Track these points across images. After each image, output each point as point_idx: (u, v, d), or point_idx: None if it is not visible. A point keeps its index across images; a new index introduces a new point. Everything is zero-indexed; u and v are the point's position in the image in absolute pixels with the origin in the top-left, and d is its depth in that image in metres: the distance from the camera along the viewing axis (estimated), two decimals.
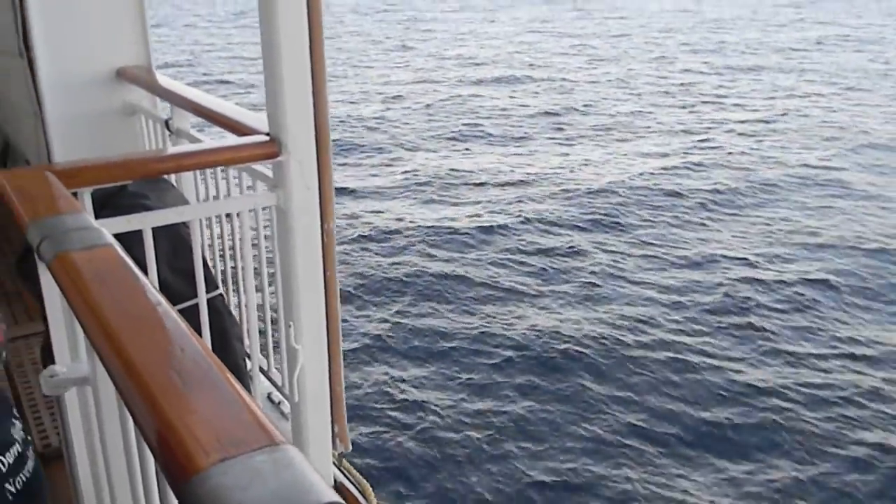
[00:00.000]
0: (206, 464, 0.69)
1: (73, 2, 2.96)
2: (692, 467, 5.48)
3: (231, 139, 2.02)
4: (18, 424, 0.86)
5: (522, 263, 8.84)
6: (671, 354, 6.78)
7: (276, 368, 2.28)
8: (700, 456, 5.58)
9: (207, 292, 2.08)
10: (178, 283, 2.24)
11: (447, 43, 27.03)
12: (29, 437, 0.84)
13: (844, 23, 30.09)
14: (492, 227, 9.94)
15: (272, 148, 1.90)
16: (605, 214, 10.37)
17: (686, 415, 5.98)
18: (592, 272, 8.59)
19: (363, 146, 14.01)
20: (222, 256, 2.51)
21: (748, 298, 7.82)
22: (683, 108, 16.80)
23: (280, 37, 1.83)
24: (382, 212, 10.68)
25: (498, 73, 21.05)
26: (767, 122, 15.33)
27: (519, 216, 10.31)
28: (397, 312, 7.65)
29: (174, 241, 2.26)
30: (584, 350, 6.89)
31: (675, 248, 9.22)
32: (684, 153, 13.18)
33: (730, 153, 13.02)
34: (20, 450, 0.82)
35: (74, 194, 1.67)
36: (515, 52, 24.47)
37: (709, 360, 6.70)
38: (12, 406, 0.85)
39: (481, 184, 11.84)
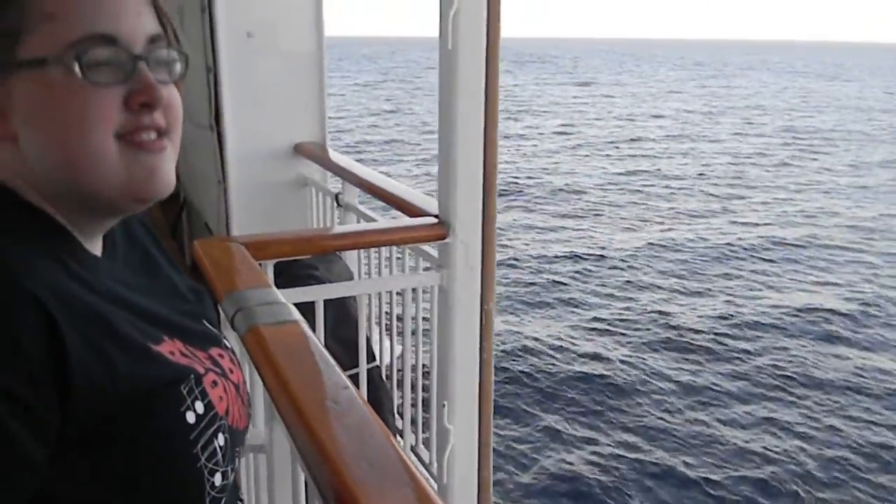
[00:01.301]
0: None
1: (261, 83, 3.24)
2: None
3: (402, 220, 2.10)
4: None
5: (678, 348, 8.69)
6: None
7: (423, 446, 2.30)
8: None
9: (367, 363, 2.14)
10: (338, 351, 2.32)
11: (568, 118, 29.61)
12: None
13: None
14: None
15: (441, 230, 1.96)
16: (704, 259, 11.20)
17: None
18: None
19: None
20: (378, 328, 2.58)
21: None
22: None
23: (457, 126, 1.91)
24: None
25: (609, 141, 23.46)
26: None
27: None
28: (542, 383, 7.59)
29: (338, 311, 2.36)
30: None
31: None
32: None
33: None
34: None
35: (259, 264, 1.79)
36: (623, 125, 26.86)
37: None
38: (239, 489, 0.90)
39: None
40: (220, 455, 0.76)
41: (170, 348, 0.76)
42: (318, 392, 1.07)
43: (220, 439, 0.76)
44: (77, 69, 0.69)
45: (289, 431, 1.05)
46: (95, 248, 0.80)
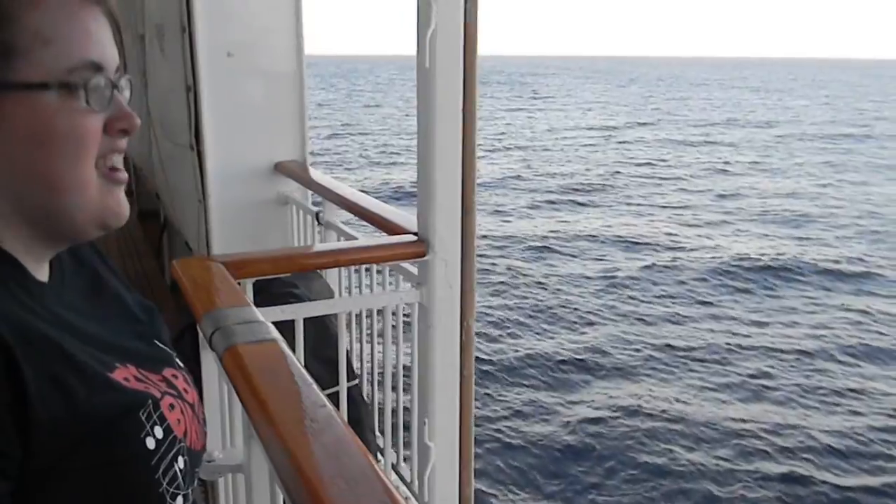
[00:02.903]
0: None
1: (241, 102, 3.24)
2: None
3: (382, 237, 2.11)
4: None
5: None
6: None
7: (404, 463, 2.29)
8: None
9: (347, 381, 2.14)
10: (319, 369, 2.31)
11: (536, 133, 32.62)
12: None
13: None
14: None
15: (420, 248, 1.97)
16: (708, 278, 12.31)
17: None
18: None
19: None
20: (358, 346, 2.58)
21: None
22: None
23: (435, 145, 1.92)
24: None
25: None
26: None
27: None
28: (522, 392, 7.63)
29: (318, 329, 2.35)
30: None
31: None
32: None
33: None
34: None
35: (239, 283, 1.79)
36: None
37: None
38: None
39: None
40: (180, 478, 0.76)
41: (124, 374, 0.76)
42: (296, 411, 1.07)
43: (180, 462, 0.76)
44: (82, 94, 0.71)
45: (266, 451, 1.04)
46: (42, 273, 0.80)
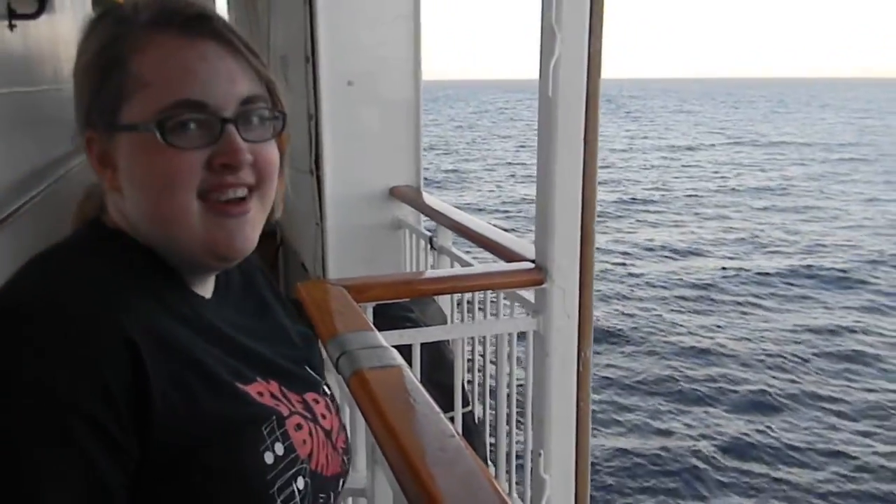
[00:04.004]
0: None
1: (359, 128, 3.34)
2: None
3: (499, 264, 2.11)
4: None
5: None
6: None
7: (517, 495, 2.26)
8: None
9: (461, 407, 2.14)
10: (433, 394, 2.33)
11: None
12: None
13: None
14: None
15: (538, 275, 1.96)
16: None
17: None
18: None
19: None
20: (470, 372, 2.58)
21: None
22: None
23: (555, 172, 1.91)
24: None
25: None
26: None
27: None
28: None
29: (433, 354, 2.37)
30: None
31: None
32: None
33: None
34: None
35: (359, 306, 1.82)
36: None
37: None
38: None
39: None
40: (297, 498, 0.77)
41: (259, 389, 0.79)
42: (425, 439, 1.08)
43: (300, 483, 0.77)
44: (159, 135, 0.74)
45: (396, 478, 1.05)
46: (204, 289, 0.84)
